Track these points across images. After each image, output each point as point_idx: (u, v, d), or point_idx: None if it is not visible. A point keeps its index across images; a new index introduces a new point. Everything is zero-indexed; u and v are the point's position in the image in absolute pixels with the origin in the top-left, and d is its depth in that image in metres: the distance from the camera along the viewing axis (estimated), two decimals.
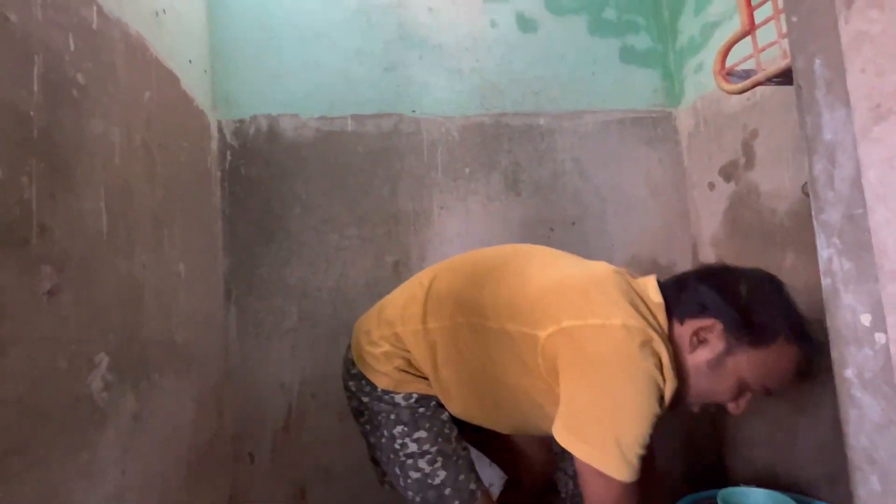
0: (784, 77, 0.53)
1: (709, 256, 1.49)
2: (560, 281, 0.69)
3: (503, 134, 1.41)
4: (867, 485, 0.37)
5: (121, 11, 0.73)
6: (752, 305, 0.62)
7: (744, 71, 0.64)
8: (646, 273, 0.74)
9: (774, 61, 0.56)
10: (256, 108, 1.25)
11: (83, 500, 0.55)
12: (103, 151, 0.65)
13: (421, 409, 0.78)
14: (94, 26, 0.65)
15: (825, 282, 0.39)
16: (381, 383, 0.79)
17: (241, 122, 1.24)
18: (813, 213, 0.40)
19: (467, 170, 1.37)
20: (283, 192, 1.24)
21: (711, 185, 1.46)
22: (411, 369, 0.78)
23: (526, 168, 1.41)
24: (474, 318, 0.72)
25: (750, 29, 0.59)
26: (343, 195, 1.27)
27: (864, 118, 0.33)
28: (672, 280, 0.72)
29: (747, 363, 0.62)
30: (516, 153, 1.41)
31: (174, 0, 0.97)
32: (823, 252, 0.39)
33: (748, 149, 1.33)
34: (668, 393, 0.61)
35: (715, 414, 1.48)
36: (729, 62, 0.64)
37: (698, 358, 0.63)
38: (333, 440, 1.20)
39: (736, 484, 1.07)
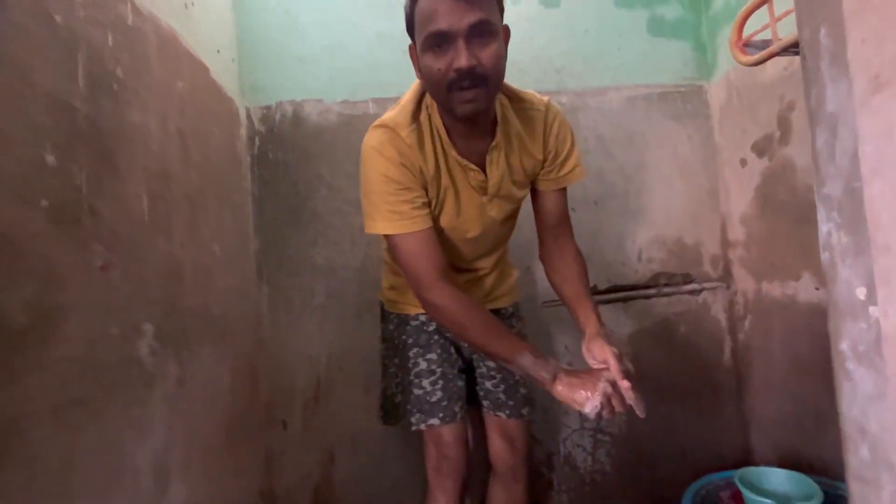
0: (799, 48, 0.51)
1: (738, 234, 1.44)
2: None
3: None
4: (858, 454, 0.38)
5: (153, 6, 0.77)
6: (406, 21, 0.79)
7: (762, 41, 0.61)
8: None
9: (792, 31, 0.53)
10: (282, 94, 1.29)
11: (134, 450, 0.62)
12: (142, 139, 0.71)
13: (403, 337, 0.99)
14: (130, 22, 0.69)
15: (824, 256, 0.39)
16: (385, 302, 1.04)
17: (268, 108, 1.29)
18: (815, 187, 0.40)
19: None
20: (308, 176, 1.29)
21: (743, 162, 1.40)
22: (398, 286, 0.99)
23: None
24: None
25: None
26: None
27: (862, 89, 0.33)
28: None
29: (418, 41, 0.76)
30: None
31: None
32: (823, 226, 0.39)
33: (784, 122, 1.26)
34: (435, 129, 0.81)
35: (739, 391, 1.45)
36: (747, 32, 0.62)
37: (420, 74, 0.79)
38: (359, 410, 1.27)
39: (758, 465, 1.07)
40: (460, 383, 1.00)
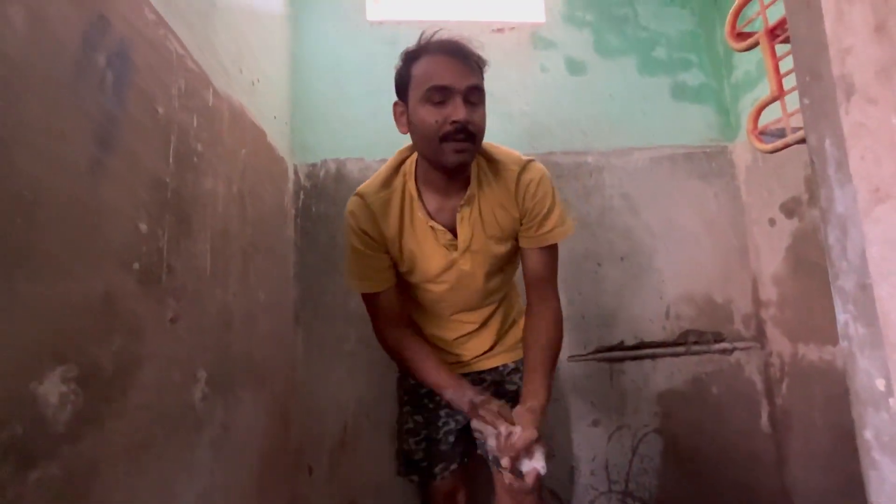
0: None
1: (770, 294, 1.42)
2: None
3: (552, 171, 1.44)
4: None
5: (229, 88, 0.90)
6: (398, 80, 0.87)
7: (778, 129, 0.65)
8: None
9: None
10: (327, 152, 1.41)
11: (184, 493, 0.66)
12: (211, 202, 0.80)
13: (401, 391, 1.10)
14: (210, 104, 0.81)
15: (843, 344, 0.41)
16: None
17: (314, 165, 1.40)
18: (830, 278, 0.43)
19: None
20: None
21: (772, 221, 1.41)
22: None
23: (573, 204, 1.46)
24: None
25: (779, 94, 0.62)
26: None
27: (865, 199, 0.37)
28: None
29: (413, 96, 0.83)
30: (564, 190, 1.46)
31: (267, 70, 1.16)
32: (840, 316, 0.41)
33: (812, 185, 1.28)
34: (410, 192, 0.90)
35: (779, 460, 1.38)
36: (763, 121, 0.67)
37: (409, 130, 0.86)
38: (384, 460, 1.28)
39: None
40: (444, 447, 1.04)
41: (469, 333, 1.00)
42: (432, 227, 0.88)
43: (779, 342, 1.40)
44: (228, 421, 0.82)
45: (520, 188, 0.88)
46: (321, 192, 1.39)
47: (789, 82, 0.61)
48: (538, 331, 0.91)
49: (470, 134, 0.79)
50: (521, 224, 0.91)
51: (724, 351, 1.43)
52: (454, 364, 1.02)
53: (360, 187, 0.93)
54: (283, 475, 1.18)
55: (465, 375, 0.98)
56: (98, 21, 0.51)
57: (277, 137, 1.24)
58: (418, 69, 0.82)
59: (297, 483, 1.26)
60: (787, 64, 0.64)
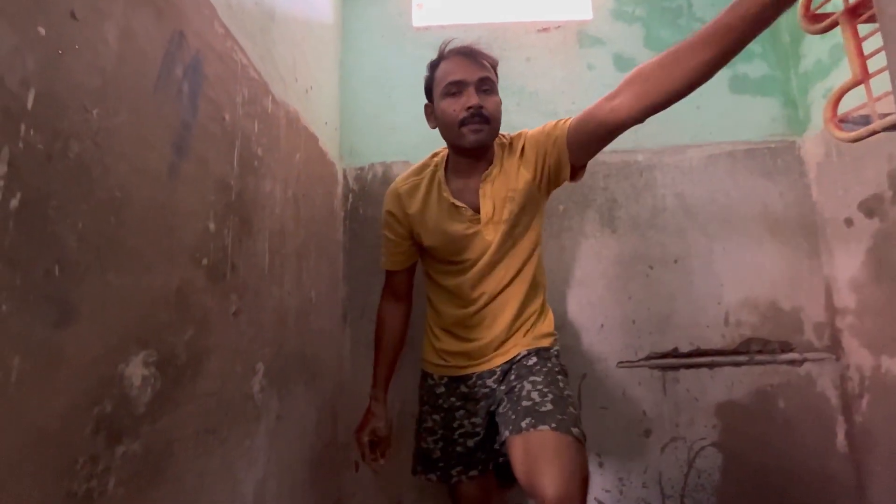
0: None
1: (848, 301, 1.30)
2: None
3: (599, 171, 1.42)
4: None
5: (285, 95, 0.94)
6: (426, 86, 1.04)
7: (861, 116, 0.59)
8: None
9: (891, 108, 0.52)
10: (374, 156, 1.45)
11: (244, 478, 0.70)
12: (269, 204, 0.85)
13: (420, 391, 1.13)
14: (269, 111, 0.85)
15: None
16: None
17: (362, 169, 1.45)
18: None
19: (561, 207, 1.41)
20: None
21: (849, 222, 1.29)
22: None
23: (623, 205, 1.40)
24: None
25: (862, 78, 0.56)
26: None
27: None
28: None
29: (436, 94, 0.99)
30: (612, 190, 1.41)
31: (319, 77, 1.21)
32: None
33: None
34: (441, 180, 1.02)
35: (859, 485, 1.25)
36: (844, 108, 0.61)
37: (436, 125, 1.03)
38: None
39: None
40: (459, 449, 1.03)
41: (486, 306, 1.00)
42: (454, 204, 0.99)
43: (857, 354, 1.28)
44: (283, 413, 0.86)
45: (523, 143, 0.99)
46: (368, 194, 1.43)
47: (873, 65, 0.55)
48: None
49: (484, 117, 0.92)
50: (540, 178, 0.96)
51: (792, 362, 1.32)
52: (470, 356, 1.02)
53: (398, 177, 1.11)
54: (331, 469, 1.22)
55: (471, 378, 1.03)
56: (177, 36, 0.56)
57: (328, 142, 1.29)
58: (439, 72, 0.98)
59: (344, 478, 1.30)
60: (869, 46, 0.58)
